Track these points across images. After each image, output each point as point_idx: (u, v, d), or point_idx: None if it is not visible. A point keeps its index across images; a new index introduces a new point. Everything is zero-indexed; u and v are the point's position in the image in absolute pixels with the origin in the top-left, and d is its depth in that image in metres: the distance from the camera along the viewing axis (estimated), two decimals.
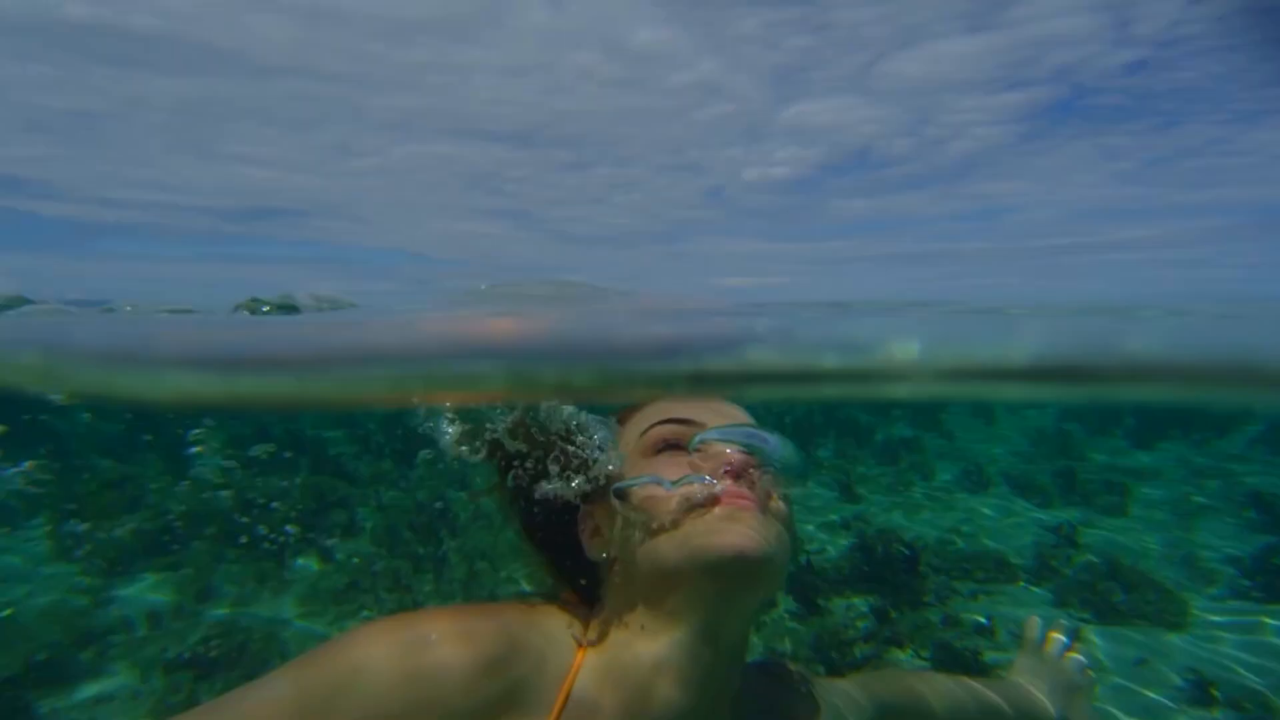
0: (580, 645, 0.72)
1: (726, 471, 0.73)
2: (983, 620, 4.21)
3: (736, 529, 0.69)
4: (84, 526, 5.19)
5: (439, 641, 0.65)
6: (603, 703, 0.68)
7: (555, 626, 0.73)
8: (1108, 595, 4.42)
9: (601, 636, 0.72)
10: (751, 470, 0.73)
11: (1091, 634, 4.09)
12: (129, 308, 2.00)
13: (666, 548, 0.70)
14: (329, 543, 5.38)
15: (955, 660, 3.59)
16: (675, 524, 0.70)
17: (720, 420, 0.80)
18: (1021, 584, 4.90)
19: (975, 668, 3.53)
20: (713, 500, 0.71)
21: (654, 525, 0.71)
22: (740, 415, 0.83)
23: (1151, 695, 3.49)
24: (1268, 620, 4.27)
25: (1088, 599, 4.45)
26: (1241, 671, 3.71)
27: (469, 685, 0.64)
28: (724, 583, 0.69)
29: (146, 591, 4.66)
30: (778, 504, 0.74)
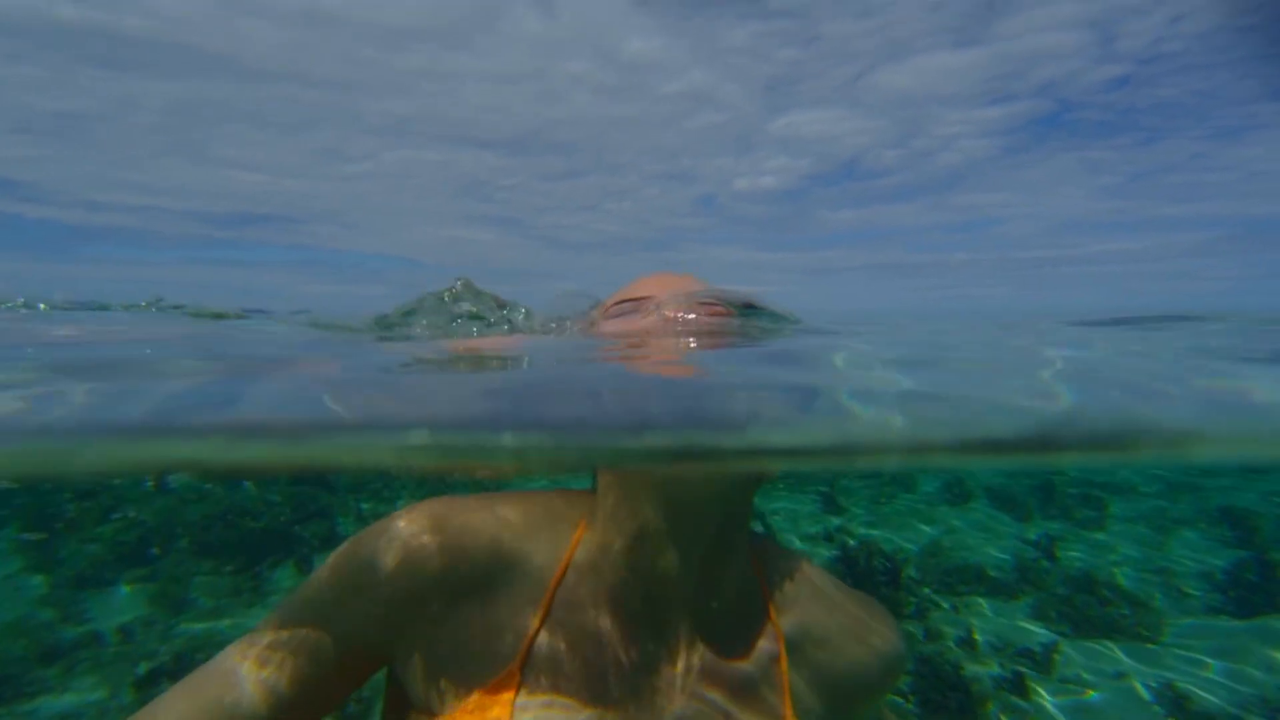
0: (581, 525, 0.77)
1: (664, 323, 0.82)
2: (963, 633, 4.24)
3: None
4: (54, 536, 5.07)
5: (439, 527, 0.73)
6: (599, 572, 0.74)
7: (561, 511, 0.79)
8: (1084, 609, 4.47)
9: (595, 516, 0.77)
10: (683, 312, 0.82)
11: (1068, 647, 4.13)
12: None
13: None
14: (307, 553, 5.29)
15: (936, 673, 3.61)
16: None
17: (674, 290, 0.87)
18: (1002, 597, 4.95)
19: (956, 681, 3.55)
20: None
21: None
22: (692, 284, 0.89)
23: (1127, 709, 3.53)
24: (1241, 634, 4.34)
25: (1065, 612, 4.50)
26: (1215, 685, 3.77)
27: (449, 568, 0.71)
28: None
29: (118, 604, 4.55)
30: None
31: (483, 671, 0.69)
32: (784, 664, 0.75)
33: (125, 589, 4.72)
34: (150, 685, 3.44)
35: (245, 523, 5.38)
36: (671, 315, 0.84)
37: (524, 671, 0.69)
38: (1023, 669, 3.82)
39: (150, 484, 6.45)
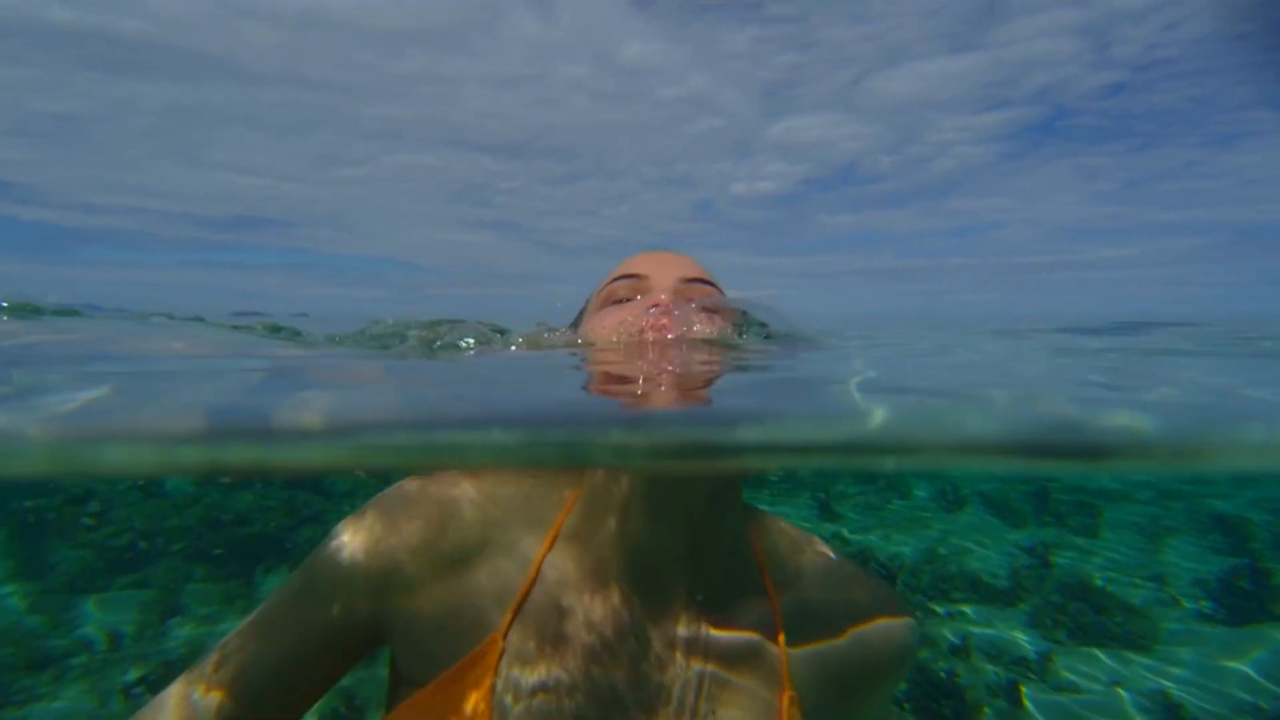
0: (571, 497, 0.79)
1: (654, 309, 0.83)
2: (958, 640, 4.25)
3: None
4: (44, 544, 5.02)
5: (420, 501, 0.77)
6: (586, 543, 0.75)
7: (549, 483, 0.81)
8: (1079, 616, 4.48)
9: (583, 488, 0.79)
10: (676, 306, 0.84)
11: (1062, 655, 4.14)
12: None
13: None
14: (300, 559, 5.25)
15: (930, 680, 3.61)
16: None
17: (670, 271, 0.88)
18: (997, 604, 4.96)
19: (951, 688, 3.55)
20: (639, 334, 0.81)
21: None
22: (691, 266, 0.90)
23: (1121, 717, 3.54)
24: (1234, 642, 4.36)
25: (1060, 620, 4.51)
26: (1209, 693, 3.78)
27: (427, 542, 0.75)
28: None
29: (108, 610, 4.52)
30: (708, 335, 0.84)
31: (469, 639, 0.70)
32: (781, 639, 0.74)
33: (116, 595, 4.68)
34: (140, 693, 3.41)
35: (238, 528, 5.35)
36: (660, 324, 0.84)
37: (508, 638, 0.70)
38: (1017, 676, 3.82)
39: (127, 484, 6.41)
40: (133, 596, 4.61)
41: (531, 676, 0.68)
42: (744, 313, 1.02)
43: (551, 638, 0.70)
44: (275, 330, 1.38)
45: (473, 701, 0.67)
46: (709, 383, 1.00)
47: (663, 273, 0.87)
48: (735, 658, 0.72)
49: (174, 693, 0.73)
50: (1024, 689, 3.68)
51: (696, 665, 0.71)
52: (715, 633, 0.73)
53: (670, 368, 0.96)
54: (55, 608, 4.43)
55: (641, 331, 0.83)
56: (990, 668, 4.00)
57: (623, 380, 0.99)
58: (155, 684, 3.44)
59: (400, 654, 0.74)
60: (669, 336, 0.83)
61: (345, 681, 3.34)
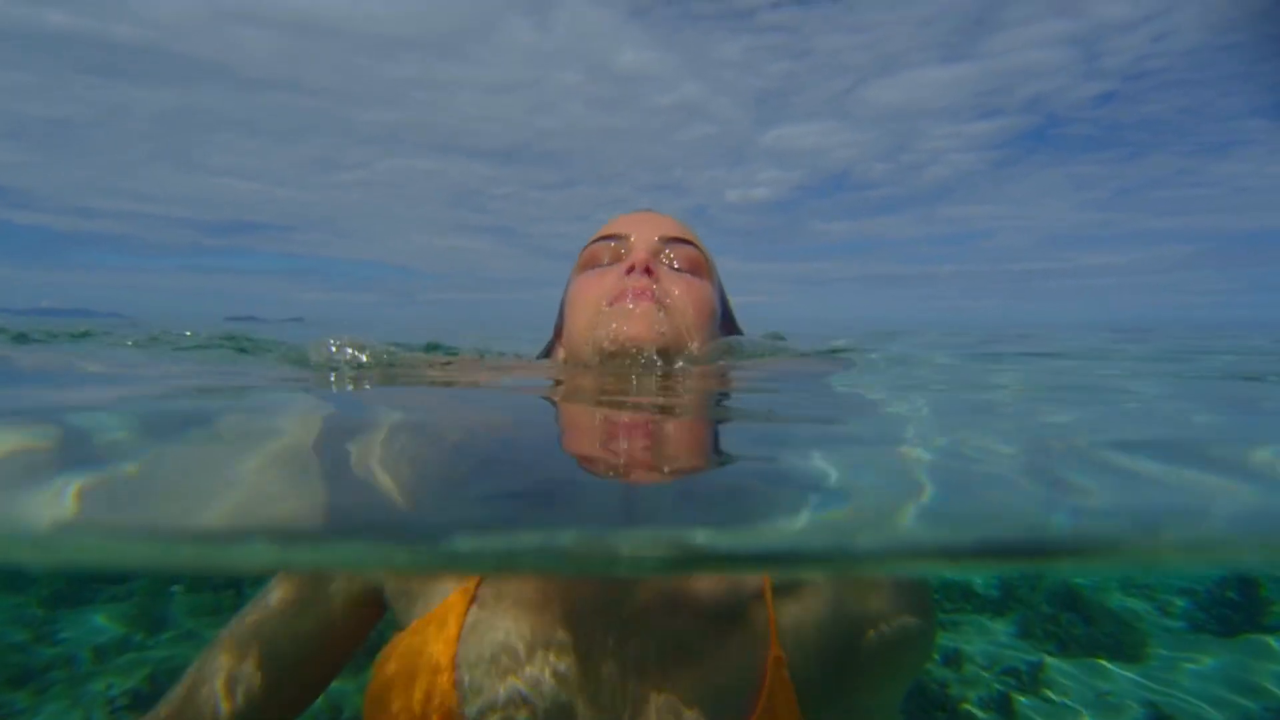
0: None
1: (629, 269, 0.83)
2: (949, 652, 4.25)
3: (629, 319, 0.80)
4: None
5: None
6: None
7: None
8: (1070, 627, 4.49)
9: None
10: (653, 268, 0.84)
11: (1054, 666, 4.15)
12: None
13: (582, 349, 0.85)
14: None
15: (922, 692, 3.61)
16: (587, 325, 0.83)
17: (650, 230, 0.88)
18: (988, 615, 4.96)
19: (943, 700, 3.55)
20: (616, 298, 0.82)
21: (575, 331, 0.85)
22: (670, 225, 0.90)
23: None
24: (1224, 652, 4.38)
25: (1050, 631, 4.52)
26: (1200, 703, 3.79)
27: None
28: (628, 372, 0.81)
29: (93, 623, 4.44)
30: (686, 297, 0.84)
31: (448, 590, 0.73)
32: (769, 600, 0.72)
33: (100, 607, 4.61)
34: (126, 708, 3.35)
35: None
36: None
37: (480, 588, 0.73)
38: (1009, 687, 3.82)
39: None
40: (117, 609, 4.54)
41: (498, 625, 0.69)
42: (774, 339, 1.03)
43: (522, 589, 0.72)
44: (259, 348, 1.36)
45: (439, 646, 0.69)
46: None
47: (643, 232, 0.87)
48: (717, 615, 0.71)
49: (191, 674, 0.81)
50: (1015, 700, 3.68)
51: (675, 620, 0.70)
52: (697, 588, 0.72)
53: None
54: (36, 620, 4.35)
55: (618, 299, 0.82)
56: (982, 679, 4.00)
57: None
58: (141, 697, 3.38)
59: (393, 607, 0.80)
60: (647, 303, 0.82)
61: (332, 689, 3.29)
